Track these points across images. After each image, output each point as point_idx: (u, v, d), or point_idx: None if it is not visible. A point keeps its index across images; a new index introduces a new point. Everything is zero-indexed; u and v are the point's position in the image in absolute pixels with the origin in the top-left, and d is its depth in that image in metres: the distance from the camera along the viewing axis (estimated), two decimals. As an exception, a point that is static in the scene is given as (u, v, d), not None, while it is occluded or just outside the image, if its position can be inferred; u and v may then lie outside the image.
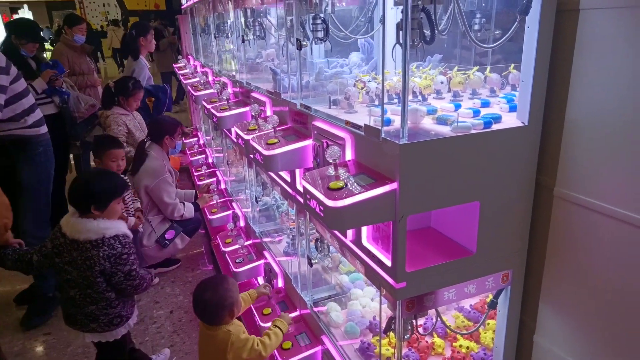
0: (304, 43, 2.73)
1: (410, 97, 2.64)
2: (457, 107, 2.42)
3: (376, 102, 2.66)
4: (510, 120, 2.12)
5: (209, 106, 4.27)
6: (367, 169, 2.05)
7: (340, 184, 1.92)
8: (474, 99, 2.62)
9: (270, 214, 4.78)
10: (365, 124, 2.07)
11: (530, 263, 2.26)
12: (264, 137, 2.91)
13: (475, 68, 2.82)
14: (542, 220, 2.16)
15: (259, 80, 4.04)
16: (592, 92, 1.89)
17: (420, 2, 1.83)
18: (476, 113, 2.26)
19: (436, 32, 1.90)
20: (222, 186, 6.23)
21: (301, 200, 2.98)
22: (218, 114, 3.90)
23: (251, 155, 2.99)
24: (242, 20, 4.11)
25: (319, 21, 2.76)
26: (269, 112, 3.47)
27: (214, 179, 6.58)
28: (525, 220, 2.20)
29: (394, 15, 3.09)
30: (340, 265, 3.70)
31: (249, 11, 3.97)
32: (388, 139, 1.89)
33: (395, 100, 2.62)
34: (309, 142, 2.68)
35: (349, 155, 2.24)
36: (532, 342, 2.35)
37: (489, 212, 2.07)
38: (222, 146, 6.19)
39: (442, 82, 2.79)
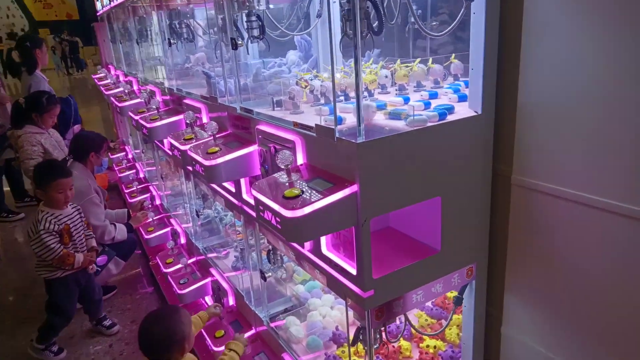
0: (239, 42, 2.53)
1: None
2: (407, 100, 2.33)
3: (321, 101, 2.52)
4: (463, 110, 2.06)
5: (136, 117, 3.93)
6: (322, 173, 1.90)
7: (296, 191, 1.75)
8: (420, 92, 2.55)
9: (213, 228, 4.51)
10: (316, 124, 1.91)
11: (493, 254, 2.22)
12: (203, 146, 2.68)
13: (417, 60, 2.76)
14: (502, 209, 2.12)
15: (191, 86, 3.77)
16: (543, 76, 1.86)
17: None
18: (427, 105, 2.18)
19: (384, 21, 1.78)
20: (157, 202, 5.84)
21: (250, 211, 2.78)
22: (148, 125, 3.58)
23: (190, 167, 2.74)
24: (167, 23, 3.81)
25: (253, 18, 2.57)
26: (205, 119, 3.23)
27: (147, 195, 6.16)
28: (486, 211, 2.16)
29: (336, 9, 2.99)
30: (294, 275, 3.52)
31: (174, 13, 3.69)
32: (344, 138, 1.75)
33: (342, 98, 2.49)
34: (254, 148, 2.48)
35: (300, 159, 2.08)
36: (499, 334, 2.31)
37: (450, 206, 1.99)
38: (154, 159, 5.80)
39: (386, 77, 2.71)
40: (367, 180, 1.73)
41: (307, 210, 1.66)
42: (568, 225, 1.89)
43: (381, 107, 2.22)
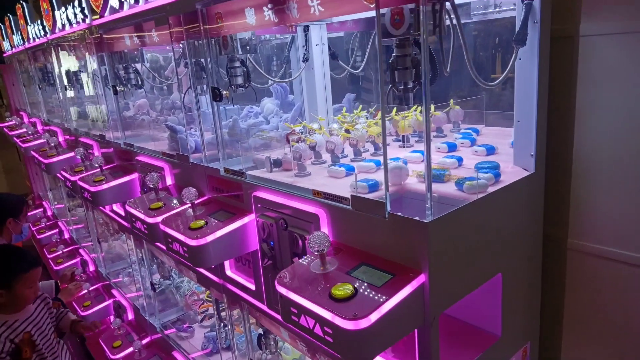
0: (225, 92, 2.10)
1: (365, 150, 2.19)
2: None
3: (323, 158, 2.14)
4: (508, 168, 1.78)
5: (74, 178, 3.28)
6: (368, 258, 1.50)
7: (348, 289, 1.34)
8: (433, 143, 2.28)
9: (168, 298, 3.86)
10: (352, 195, 1.53)
11: (547, 329, 1.93)
12: (181, 218, 2.16)
13: (414, 107, 2.49)
14: (557, 277, 1.85)
15: (141, 139, 3.21)
16: (602, 127, 1.64)
17: (412, 34, 1.37)
18: (459, 161, 1.89)
19: (439, 68, 1.46)
20: (91, 268, 5.02)
21: (238, 291, 2.29)
22: (92, 188, 2.95)
23: (164, 245, 2.20)
24: (110, 67, 3.26)
25: (237, 64, 2.16)
26: (169, 181, 2.70)
27: (77, 259, 5.30)
28: (537, 281, 1.87)
29: (319, 52, 2.66)
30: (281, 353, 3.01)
31: (117, 57, 3.15)
32: (403, 215, 1.38)
33: (367, 153, 2.14)
34: (248, 219, 2.02)
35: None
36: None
37: (510, 282, 1.68)
38: (86, 218, 5.00)
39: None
40: (437, 267, 1.36)
41: (374, 317, 1.25)
42: (634, 294, 1.66)
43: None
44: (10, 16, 5.54)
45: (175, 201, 2.42)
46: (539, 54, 1.61)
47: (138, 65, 3.29)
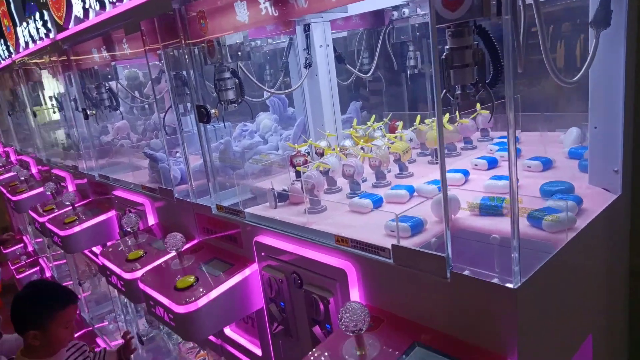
0: (213, 111, 1.68)
1: (388, 170, 1.77)
2: (466, 174, 1.63)
3: (338, 185, 1.73)
4: (585, 189, 1.37)
5: (42, 219, 2.83)
6: (419, 332, 1.08)
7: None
8: (465, 157, 1.87)
9: (159, 346, 3.40)
10: (394, 245, 1.11)
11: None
12: (166, 271, 1.73)
13: (446, 117, 2.07)
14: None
15: (119, 169, 2.78)
16: None
17: (474, 17, 0.96)
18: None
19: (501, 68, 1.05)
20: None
21: (234, 351, 1.86)
22: (61, 232, 2.50)
23: (146, 305, 1.76)
24: (80, 88, 2.83)
25: (227, 75, 1.74)
26: (151, 220, 2.26)
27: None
28: (626, 329, 1.46)
29: (323, 55, 2.25)
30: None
31: (89, 75, 2.73)
32: (476, 277, 0.96)
33: (390, 175, 1.72)
34: (249, 272, 1.59)
35: (355, 297, 1.24)
36: None
37: (601, 343, 1.26)
38: (65, 256, 4.53)
39: (410, 140, 1.99)
40: (527, 348, 0.94)
41: None
42: None
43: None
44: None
45: (159, 245, 1.98)
46: (627, 38, 1.21)
47: (113, 84, 2.87)
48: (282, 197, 1.64)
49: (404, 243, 1.14)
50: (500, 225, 1.22)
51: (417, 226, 1.23)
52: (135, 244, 2.04)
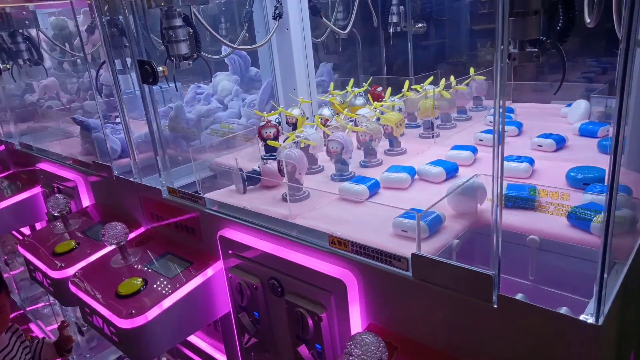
0: (161, 68, 1.30)
1: (378, 145, 1.48)
2: (474, 151, 1.37)
3: (319, 164, 1.43)
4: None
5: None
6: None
7: None
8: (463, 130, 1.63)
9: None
10: (415, 255, 0.84)
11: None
12: (107, 275, 1.38)
13: (429, 80, 1.81)
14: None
15: (44, 136, 2.32)
16: None
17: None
18: (531, 164, 1.24)
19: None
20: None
21: (193, 356, 1.57)
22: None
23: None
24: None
25: (178, 22, 1.36)
26: (86, 202, 1.86)
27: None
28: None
29: (296, 6, 1.88)
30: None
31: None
32: (539, 305, 0.71)
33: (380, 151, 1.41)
34: (212, 271, 1.28)
35: (355, 320, 0.97)
36: None
37: None
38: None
39: (400, 110, 1.71)
40: (602, 399, 0.72)
41: None
42: None
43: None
44: None
45: (95, 234, 1.61)
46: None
47: (32, 32, 2.36)
48: (252, 179, 1.32)
49: (424, 248, 0.87)
50: (536, 221, 0.98)
51: (436, 224, 0.97)
52: (65, 231, 1.66)
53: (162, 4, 1.34)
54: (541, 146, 1.42)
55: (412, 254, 0.84)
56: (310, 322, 1.02)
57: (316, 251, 1.02)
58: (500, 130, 0.67)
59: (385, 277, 0.90)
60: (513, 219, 1.00)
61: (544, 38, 0.72)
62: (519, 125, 1.61)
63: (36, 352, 2.05)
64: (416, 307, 0.88)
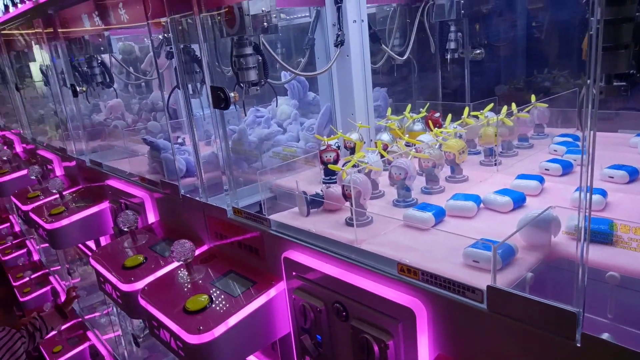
0: (233, 94, 1.37)
1: (439, 174, 1.47)
2: (541, 181, 1.34)
3: (380, 188, 1.44)
4: None
5: (26, 207, 2.52)
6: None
7: None
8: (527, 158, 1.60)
9: (155, 344, 3.14)
10: (491, 288, 0.83)
11: None
12: (175, 289, 1.44)
13: (490, 107, 1.79)
14: None
15: (111, 154, 2.46)
16: None
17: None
18: (604, 197, 1.20)
19: None
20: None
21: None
22: (47, 225, 2.20)
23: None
24: (68, 60, 2.48)
25: (248, 51, 1.43)
26: (151, 217, 1.96)
27: (47, 288, 4.54)
28: None
29: (357, 33, 1.94)
30: None
31: (77, 46, 2.39)
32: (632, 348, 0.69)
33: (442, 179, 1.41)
34: (275, 291, 1.31)
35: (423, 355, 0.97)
36: None
37: None
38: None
39: (460, 136, 1.70)
40: None
41: None
42: None
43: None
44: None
45: (161, 249, 1.69)
46: None
47: (106, 57, 2.53)
48: (315, 202, 1.35)
49: (498, 281, 0.86)
50: (615, 257, 0.95)
51: (508, 256, 0.96)
52: (133, 246, 1.75)
53: (235, 33, 1.41)
54: (612, 177, 1.37)
55: (488, 286, 0.84)
56: (376, 348, 1.03)
57: (383, 278, 1.03)
58: (590, 163, 0.67)
59: (457, 307, 0.90)
60: (593, 253, 0.97)
61: (634, 72, 0.71)
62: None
63: (42, 328, 2.19)
64: (489, 340, 0.87)
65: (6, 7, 2.78)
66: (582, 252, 0.72)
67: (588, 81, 0.66)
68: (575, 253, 0.91)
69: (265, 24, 1.40)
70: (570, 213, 1.07)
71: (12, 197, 2.79)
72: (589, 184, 0.70)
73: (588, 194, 0.71)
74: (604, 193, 1.22)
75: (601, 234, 1.02)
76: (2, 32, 3.33)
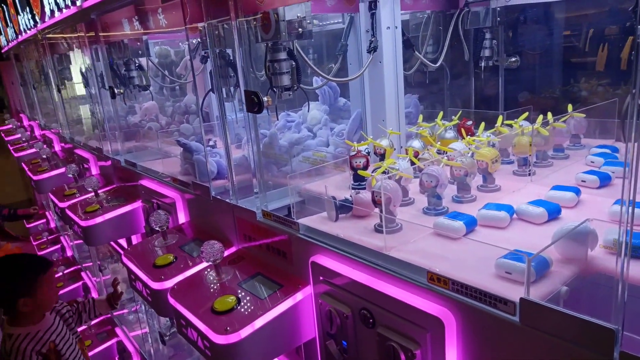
0: (266, 99, 1.38)
1: (471, 183, 1.45)
2: (578, 193, 1.30)
3: (410, 195, 1.43)
4: None
5: (63, 204, 2.61)
6: None
7: None
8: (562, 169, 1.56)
9: (181, 342, 3.19)
10: (524, 300, 0.81)
11: None
12: (204, 293, 1.46)
13: (524, 115, 1.76)
14: None
15: (146, 155, 2.53)
16: None
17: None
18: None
19: None
20: (94, 296, 4.37)
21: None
22: (82, 223, 2.27)
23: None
24: (107, 64, 2.57)
25: (282, 56, 1.45)
26: (182, 218, 2.00)
27: (79, 283, 4.67)
28: None
29: (390, 39, 1.94)
30: None
31: (117, 49, 2.47)
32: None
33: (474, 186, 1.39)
34: (301, 295, 1.31)
35: None
36: None
37: None
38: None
39: (493, 145, 1.67)
40: None
41: None
42: None
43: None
44: (4, 6, 4.91)
45: (190, 249, 1.72)
46: None
47: (143, 60, 2.61)
48: (344, 208, 1.35)
49: (530, 293, 0.84)
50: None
51: (543, 268, 0.93)
52: (164, 246, 1.78)
53: (270, 38, 1.43)
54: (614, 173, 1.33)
55: (521, 299, 0.82)
56: (403, 357, 1.01)
57: (412, 286, 1.02)
58: (632, 175, 0.65)
59: (488, 319, 0.88)
60: (632, 269, 0.94)
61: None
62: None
63: (91, 310, 2.29)
64: (521, 354, 0.85)
65: (52, 12, 2.90)
66: (623, 267, 0.70)
67: (633, 91, 0.64)
68: (613, 268, 0.88)
69: (299, 29, 1.41)
70: (608, 226, 1.04)
71: (49, 194, 2.90)
72: (631, 198, 0.68)
73: (630, 208, 0.69)
74: (644, 207, 1.18)
75: (644, 249, 0.98)
76: (47, 35, 3.47)
